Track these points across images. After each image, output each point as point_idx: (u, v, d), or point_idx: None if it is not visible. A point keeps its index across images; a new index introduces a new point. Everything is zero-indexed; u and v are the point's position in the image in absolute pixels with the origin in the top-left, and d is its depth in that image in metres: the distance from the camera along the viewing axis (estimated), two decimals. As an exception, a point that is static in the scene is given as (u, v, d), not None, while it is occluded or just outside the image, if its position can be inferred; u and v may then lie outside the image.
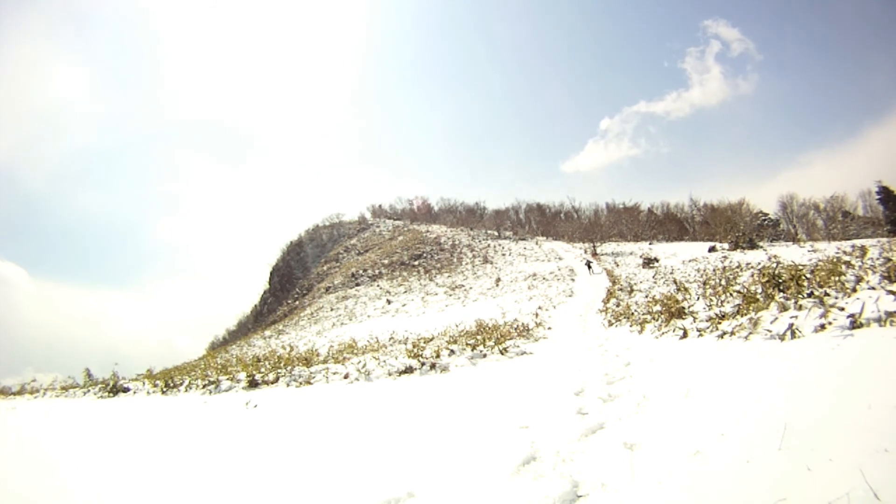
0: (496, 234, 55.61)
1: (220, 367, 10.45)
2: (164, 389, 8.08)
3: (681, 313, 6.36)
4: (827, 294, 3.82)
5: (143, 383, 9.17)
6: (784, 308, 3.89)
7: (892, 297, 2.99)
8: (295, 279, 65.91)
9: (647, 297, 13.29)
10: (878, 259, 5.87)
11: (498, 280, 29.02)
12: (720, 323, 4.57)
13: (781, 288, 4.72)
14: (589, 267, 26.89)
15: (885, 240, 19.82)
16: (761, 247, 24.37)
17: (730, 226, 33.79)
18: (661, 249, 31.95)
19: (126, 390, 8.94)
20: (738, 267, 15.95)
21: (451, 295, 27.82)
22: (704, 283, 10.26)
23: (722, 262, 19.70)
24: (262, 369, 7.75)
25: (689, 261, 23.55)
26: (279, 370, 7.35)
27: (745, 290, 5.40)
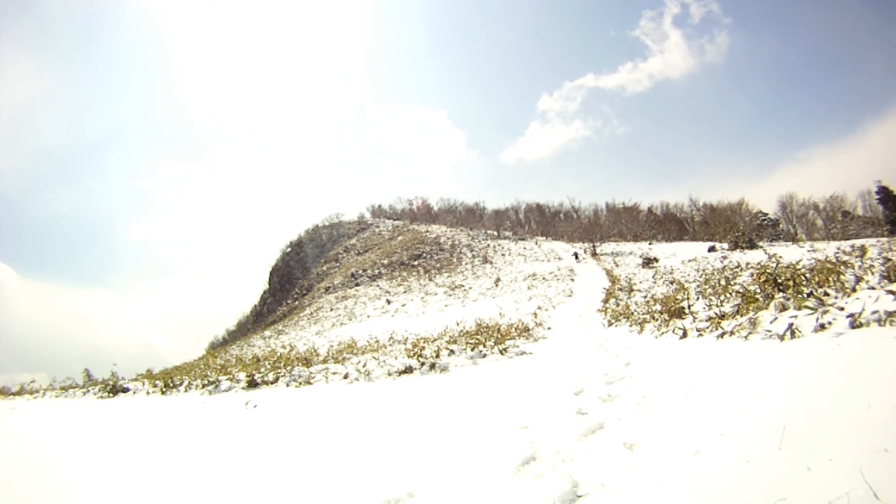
0: (496, 234, 55.61)
1: (219, 367, 10.45)
2: (164, 390, 8.08)
3: (680, 313, 6.36)
4: (827, 294, 3.82)
5: (143, 383, 9.17)
6: (784, 308, 3.89)
7: (891, 297, 2.99)
8: (295, 279, 65.85)
9: (646, 297, 13.29)
10: (877, 259, 5.88)
11: (497, 280, 29.01)
12: (720, 323, 4.57)
13: (781, 288, 4.72)
14: (576, 257, 30.78)
15: (884, 240, 19.84)
16: (761, 247, 24.37)
17: (729, 226, 33.76)
18: (660, 249, 31.95)
19: (126, 390, 8.94)
20: (737, 267, 15.96)
21: (450, 295, 27.81)
22: (704, 283, 10.27)
23: (721, 262, 19.71)
24: (262, 369, 7.74)
25: (689, 261, 23.56)
26: (279, 370, 7.35)
27: (745, 289, 5.40)
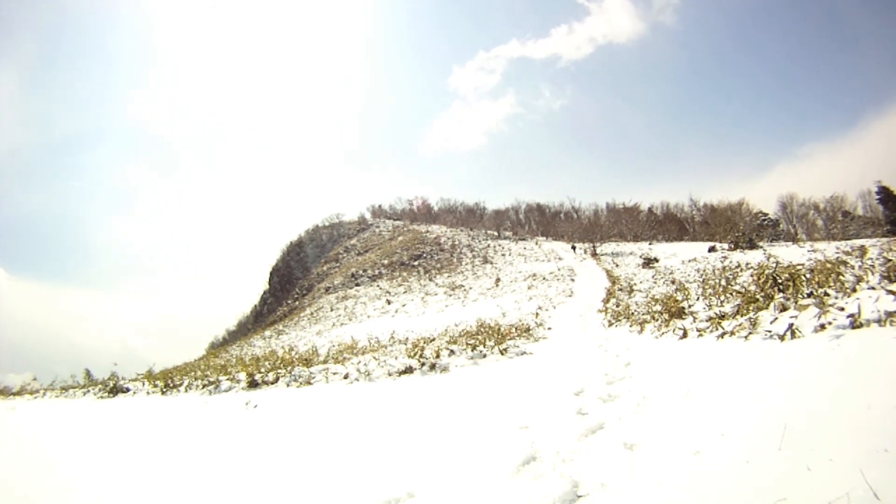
0: (496, 234, 55.62)
1: (219, 367, 10.45)
2: (164, 390, 8.08)
3: (681, 313, 6.36)
4: (827, 294, 3.81)
5: (143, 384, 9.17)
6: (784, 308, 3.89)
7: (891, 297, 2.98)
8: (295, 279, 65.86)
9: (646, 297, 13.30)
10: (877, 259, 5.88)
11: (498, 280, 29.01)
12: (720, 323, 4.57)
13: (781, 288, 4.72)
14: (574, 250, 33.58)
15: (884, 240, 19.84)
16: (761, 247, 24.37)
17: (729, 226, 33.78)
18: (660, 249, 31.94)
19: (126, 391, 8.94)
20: (737, 267, 15.96)
21: (450, 295, 27.81)
22: (704, 284, 10.27)
23: (722, 262, 19.71)
24: (262, 369, 7.75)
25: (689, 261, 23.56)
26: (279, 370, 7.35)
27: (745, 290, 5.41)
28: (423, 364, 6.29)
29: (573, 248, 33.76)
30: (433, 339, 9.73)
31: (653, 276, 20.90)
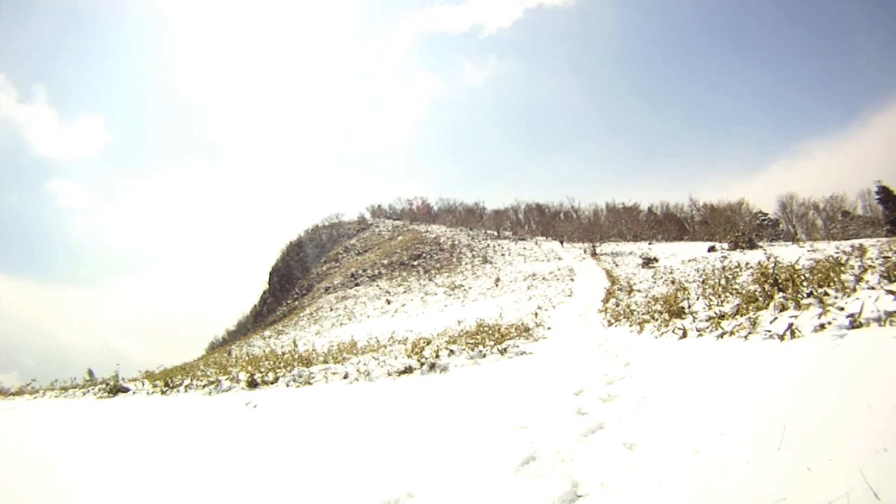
0: (496, 234, 55.65)
1: (219, 367, 10.45)
2: (164, 390, 8.08)
3: (680, 313, 6.36)
4: (826, 294, 3.82)
5: (143, 384, 9.18)
6: (784, 308, 3.89)
7: (891, 296, 2.99)
8: (294, 279, 65.82)
9: (646, 296, 13.30)
10: (877, 259, 5.88)
11: (497, 280, 29.02)
12: (720, 323, 4.57)
13: (781, 288, 4.72)
14: (561, 244, 36.57)
15: (884, 240, 19.84)
16: (761, 247, 24.38)
17: (729, 226, 33.82)
18: (660, 249, 31.96)
19: (125, 390, 8.94)
20: (737, 267, 15.96)
21: (450, 295, 27.82)
22: (704, 283, 10.27)
23: (721, 262, 19.71)
24: (262, 369, 7.74)
25: (689, 261, 23.57)
26: (279, 370, 7.35)
27: (745, 289, 5.41)
28: (422, 364, 6.28)
29: (561, 243, 35.55)
30: (432, 339, 9.73)
31: (652, 276, 20.91)
